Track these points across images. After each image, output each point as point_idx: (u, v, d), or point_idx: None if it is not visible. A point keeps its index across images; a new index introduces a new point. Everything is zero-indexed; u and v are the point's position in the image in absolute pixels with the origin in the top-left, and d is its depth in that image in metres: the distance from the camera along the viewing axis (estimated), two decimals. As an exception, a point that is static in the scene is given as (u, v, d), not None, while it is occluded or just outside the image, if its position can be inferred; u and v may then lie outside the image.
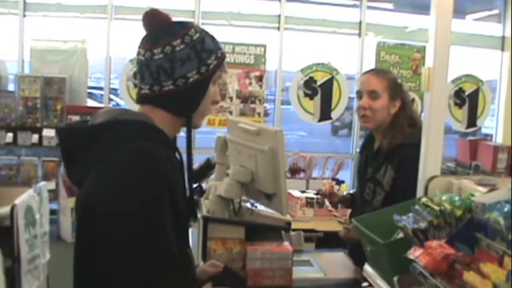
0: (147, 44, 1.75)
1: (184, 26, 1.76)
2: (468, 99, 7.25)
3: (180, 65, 1.71)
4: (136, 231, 1.51)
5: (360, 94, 3.08)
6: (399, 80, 3.15)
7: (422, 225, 1.80)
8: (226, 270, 2.22)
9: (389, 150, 2.93)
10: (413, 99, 6.61)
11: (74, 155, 1.69)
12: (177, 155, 1.77)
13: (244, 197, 2.65)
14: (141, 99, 1.79)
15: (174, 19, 1.80)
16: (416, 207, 1.92)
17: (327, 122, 6.99)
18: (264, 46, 6.74)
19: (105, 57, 6.75)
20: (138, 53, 1.77)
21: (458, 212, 1.74)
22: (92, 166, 1.61)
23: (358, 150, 5.99)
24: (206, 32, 1.81)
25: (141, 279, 1.50)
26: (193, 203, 1.90)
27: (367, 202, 3.03)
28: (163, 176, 1.58)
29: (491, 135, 7.86)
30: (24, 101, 6.31)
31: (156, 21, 1.76)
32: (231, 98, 6.57)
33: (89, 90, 7.32)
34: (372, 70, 3.35)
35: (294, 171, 5.94)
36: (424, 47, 6.76)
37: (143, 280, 1.50)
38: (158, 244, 1.54)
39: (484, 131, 8.41)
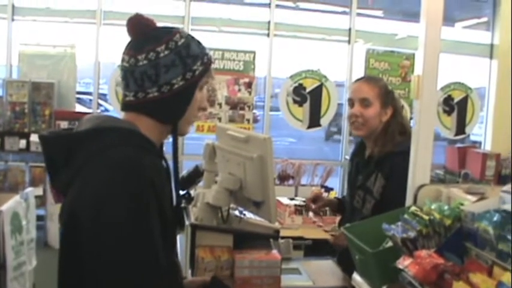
0: (131, 50, 1.72)
1: (169, 32, 1.74)
2: (457, 106, 7.26)
3: (165, 72, 1.69)
4: (125, 238, 1.49)
5: (351, 102, 3.08)
6: (390, 87, 3.15)
7: (412, 234, 1.79)
8: (214, 280, 2.21)
9: (380, 158, 2.93)
10: (402, 106, 6.61)
11: (57, 163, 1.65)
12: (163, 162, 1.75)
13: (232, 205, 2.64)
14: (125, 107, 1.76)
15: (159, 24, 1.78)
16: (406, 216, 1.91)
17: (316, 129, 6.97)
18: (254, 52, 6.73)
19: (94, 62, 6.72)
20: (123, 60, 1.74)
21: (448, 221, 1.74)
22: (76, 174, 1.58)
23: (347, 157, 6.01)
24: (192, 37, 1.78)
25: (130, 285, 1.48)
26: (181, 211, 1.87)
27: (356, 210, 3.02)
28: (149, 183, 1.55)
29: (479, 143, 7.88)
30: (12, 106, 6.27)
31: (140, 26, 1.73)
32: (220, 105, 6.55)
33: (78, 96, 7.29)
34: (363, 78, 3.36)
35: (283, 178, 5.93)
36: (413, 55, 6.76)
37: (132, 286, 1.49)
38: (147, 251, 1.52)
39: (472, 138, 8.43)
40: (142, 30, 1.73)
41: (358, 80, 3.24)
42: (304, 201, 4.70)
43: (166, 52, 1.69)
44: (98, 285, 1.50)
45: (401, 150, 2.69)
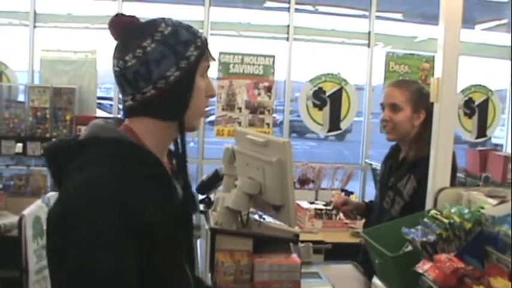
0: (117, 52, 1.61)
1: (153, 23, 1.61)
2: (478, 109, 7.20)
3: (156, 66, 1.54)
4: (85, 260, 1.36)
5: (382, 106, 3.10)
6: (425, 90, 3.06)
7: (431, 238, 1.79)
8: None
9: (414, 161, 2.94)
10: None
11: (54, 176, 1.58)
12: (162, 169, 1.61)
13: (252, 209, 2.64)
14: (127, 112, 1.63)
15: (142, 20, 1.66)
16: (425, 219, 1.90)
17: (336, 133, 6.96)
18: (273, 56, 6.72)
19: (115, 67, 6.76)
20: (112, 65, 1.63)
21: (468, 225, 1.73)
22: (59, 187, 1.52)
23: (367, 161, 5.99)
24: (180, 23, 1.63)
25: None
26: (190, 217, 1.78)
27: (385, 210, 3.02)
28: (119, 204, 1.40)
29: (501, 145, 7.81)
30: (34, 111, 6.32)
31: (122, 25, 1.63)
32: (240, 109, 6.56)
33: (98, 101, 7.32)
34: (395, 82, 3.36)
35: (303, 182, 5.92)
36: (433, 57, 6.71)
37: None
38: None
39: (493, 141, 8.36)
40: (124, 29, 1.62)
41: (390, 84, 3.26)
42: (325, 205, 4.70)
43: (153, 45, 1.55)
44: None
45: None
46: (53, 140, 1.66)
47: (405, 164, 3.02)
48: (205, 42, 1.63)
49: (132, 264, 1.40)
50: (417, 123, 3.00)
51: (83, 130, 1.61)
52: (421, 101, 2.97)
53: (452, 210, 1.84)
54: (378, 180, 3.35)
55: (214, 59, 1.69)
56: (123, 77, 1.59)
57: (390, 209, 2.97)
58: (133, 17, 1.64)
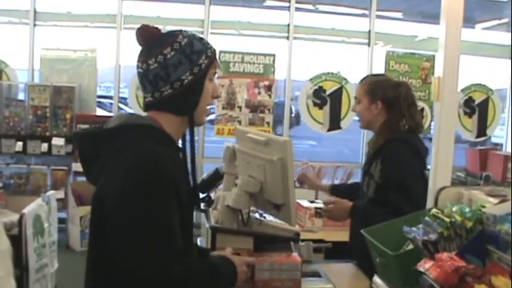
0: (142, 56, 1.93)
1: (172, 35, 1.93)
2: (478, 108, 7.21)
3: (174, 70, 1.88)
4: (145, 219, 1.70)
5: None
6: (387, 82, 3.32)
7: (433, 237, 1.78)
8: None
9: (380, 146, 3.16)
10: (422, 109, 6.59)
11: (89, 158, 1.89)
12: (180, 154, 1.98)
13: (252, 208, 2.64)
14: (146, 107, 1.97)
15: (163, 31, 1.96)
16: (426, 218, 1.90)
17: (336, 132, 6.96)
18: (273, 55, 6.73)
19: (115, 66, 6.77)
20: (137, 67, 1.94)
21: (469, 224, 1.73)
22: (103, 167, 1.82)
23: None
24: (194, 35, 1.97)
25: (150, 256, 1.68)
26: (197, 194, 2.18)
27: (364, 194, 3.24)
28: (167, 172, 1.76)
29: (500, 145, 7.82)
30: (34, 109, 6.33)
31: (147, 35, 1.93)
32: (240, 108, 6.56)
33: (98, 99, 7.34)
34: (362, 78, 3.60)
35: (303, 181, 5.90)
36: (434, 56, 6.72)
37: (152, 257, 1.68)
38: (165, 232, 1.73)
39: (493, 140, 8.36)
40: (149, 38, 1.93)
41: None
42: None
43: (172, 53, 1.89)
44: (121, 261, 1.70)
45: (395, 138, 3.07)
46: (81, 129, 2.05)
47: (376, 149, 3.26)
48: (214, 53, 1.97)
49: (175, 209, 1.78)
50: (376, 112, 3.22)
51: (82, 128, 1.80)
52: (377, 92, 3.23)
53: (454, 209, 1.83)
54: (362, 167, 3.57)
55: (220, 67, 1.89)
56: (145, 77, 1.92)
57: (367, 192, 3.18)
58: (157, 28, 1.95)
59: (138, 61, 1.94)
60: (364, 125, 3.36)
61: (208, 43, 1.99)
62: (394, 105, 3.21)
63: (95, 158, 1.86)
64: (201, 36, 2.03)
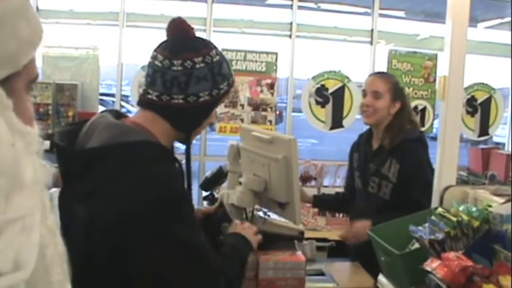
0: (166, 51, 1.76)
1: (207, 45, 1.80)
2: (480, 107, 7.19)
3: (196, 83, 1.74)
4: (176, 251, 1.60)
5: (364, 93, 3.39)
6: (400, 85, 3.48)
7: (439, 236, 1.78)
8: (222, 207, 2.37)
9: (394, 146, 3.19)
10: (424, 108, 6.60)
11: (73, 175, 1.67)
12: (177, 165, 1.78)
13: (257, 206, 2.64)
14: (145, 104, 1.80)
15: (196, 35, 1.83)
16: (433, 217, 1.90)
17: (339, 130, 6.95)
18: (276, 54, 6.71)
19: (117, 64, 6.76)
20: (155, 58, 1.77)
21: (476, 223, 1.72)
22: (97, 189, 1.60)
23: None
24: (223, 57, 1.85)
25: None
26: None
27: (371, 195, 3.26)
28: (180, 193, 1.68)
29: (502, 144, 7.80)
30: (36, 107, 6.31)
31: (181, 30, 1.78)
32: (242, 106, 6.55)
33: (101, 97, 7.33)
34: (378, 72, 3.83)
35: (305, 179, 5.91)
36: (436, 55, 6.72)
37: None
38: (200, 259, 1.65)
39: (494, 139, 8.35)
40: (181, 34, 1.78)
41: (372, 74, 3.60)
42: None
43: (202, 65, 1.75)
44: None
45: (414, 138, 3.18)
46: (58, 131, 1.82)
47: (383, 150, 3.26)
48: (233, 83, 1.89)
49: None
50: (392, 112, 3.28)
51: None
52: (398, 93, 3.31)
53: (460, 209, 1.83)
54: (356, 167, 3.54)
55: (229, 99, 1.88)
56: (161, 74, 1.74)
57: (378, 193, 3.21)
58: (192, 28, 1.81)
59: (159, 53, 1.77)
60: (374, 121, 3.33)
61: (232, 70, 1.89)
62: (405, 107, 3.31)
63: (80, 177, 1.64)
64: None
